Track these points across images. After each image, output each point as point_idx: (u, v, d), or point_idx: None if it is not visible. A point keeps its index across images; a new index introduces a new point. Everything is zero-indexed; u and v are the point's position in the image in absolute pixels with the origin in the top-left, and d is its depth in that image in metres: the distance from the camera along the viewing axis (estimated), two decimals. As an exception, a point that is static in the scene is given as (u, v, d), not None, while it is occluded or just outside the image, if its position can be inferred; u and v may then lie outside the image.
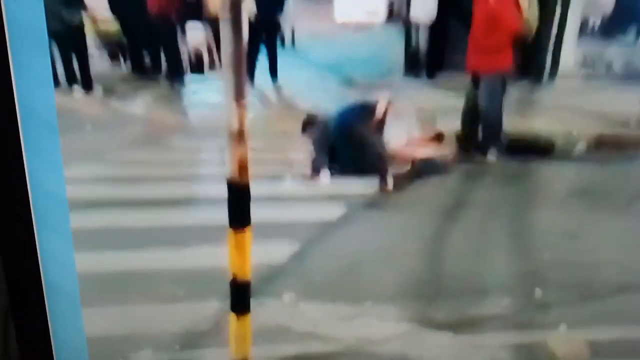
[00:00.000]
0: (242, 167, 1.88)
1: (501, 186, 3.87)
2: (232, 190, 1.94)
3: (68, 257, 1.88)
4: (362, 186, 3.77)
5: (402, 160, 3.99)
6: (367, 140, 3.89)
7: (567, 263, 3.13)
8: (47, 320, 1.94)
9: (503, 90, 4.02)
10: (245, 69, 1.75)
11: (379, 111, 3.93)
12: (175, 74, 4.31)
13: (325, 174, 3.86)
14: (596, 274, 3.05)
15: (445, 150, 4.05)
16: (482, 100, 4.00)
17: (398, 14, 4.55)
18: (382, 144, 3.92)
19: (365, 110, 3.96)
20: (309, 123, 3.94)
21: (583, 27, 4.48)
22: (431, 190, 3.81)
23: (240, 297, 2.19)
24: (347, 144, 3.89)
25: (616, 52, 4.48)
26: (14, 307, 1.87)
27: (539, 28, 4.34)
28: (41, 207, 1.77)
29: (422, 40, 4.40)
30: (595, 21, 4.50)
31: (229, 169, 1.90)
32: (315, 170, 3.87)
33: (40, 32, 1.61)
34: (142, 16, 4.33)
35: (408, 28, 4.41)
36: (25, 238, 1.79)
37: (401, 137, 4.01)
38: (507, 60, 3.98)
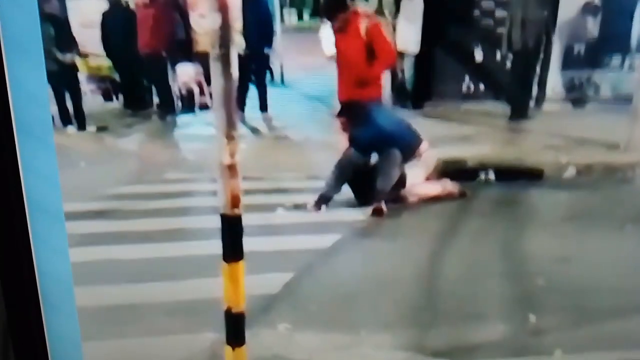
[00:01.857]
0: (234, 200, 1.90)
1: (494, 213, 3.88)
2: (225, 222, 1.96)
3: (66, 274, 1.89)
4: (356, 213, 3.80)
5: (415, 197, 4.04)
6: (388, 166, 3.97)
7: (562, 288, 3.13)
8: (45, 340, 1.95)
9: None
10: (235, 104, 1.78)
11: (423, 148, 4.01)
12: (167, 110, 4.36)
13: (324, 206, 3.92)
14: (591, 298, 3.05)
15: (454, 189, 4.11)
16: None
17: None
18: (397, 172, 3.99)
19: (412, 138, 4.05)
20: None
21: (569, 54, 4.56)
22: (424, 217, 3.83)
23: (235, 328, 2.19)
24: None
25: (602, 77, 4.54)
26: (13, 329, 1.88)
27: (525, 56, 4.44)
28: (39, 227, 1.78)
29: (407, 71, 4.47)
30: (580, 48, 4.57)
31: (221, 202, 1.91)
32: (324, 201, 3.92)
33: (36, 47, 1.64)
34: (134, 54, 4.40)
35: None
36: (23, 259, 1.80)
37: (419, 176, 4.08)
38: (378, 91, 4.13)
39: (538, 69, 4.56)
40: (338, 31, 4.02)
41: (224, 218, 1.96)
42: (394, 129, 4.06)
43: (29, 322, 1.90)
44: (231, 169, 1.85)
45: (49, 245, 1.82)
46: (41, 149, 1.70)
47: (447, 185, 4.12)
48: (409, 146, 4.02)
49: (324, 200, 3.94)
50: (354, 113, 4.06)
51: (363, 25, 3.98)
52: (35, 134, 1.68)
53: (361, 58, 4.00)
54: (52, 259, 1.83)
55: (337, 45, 4.06)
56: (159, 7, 4.65)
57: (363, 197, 3.97)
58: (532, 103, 4.61)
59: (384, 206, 3.87)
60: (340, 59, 4.08)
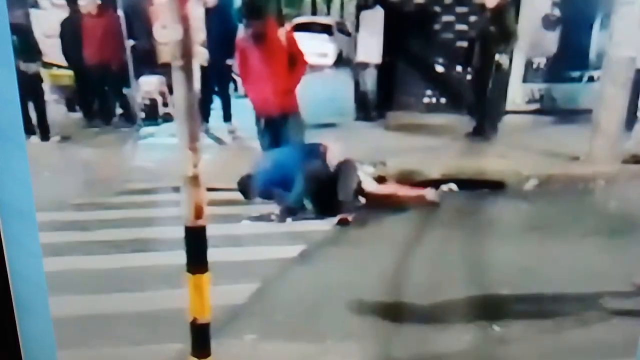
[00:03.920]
0: (198, 211, 1.91)
1: (458, 223, 3.91)
2: (189, 234, 1.96)
3: (39, 276, 1.87)
4: (321, 223, 3.81)
5: (382, 200, 4.06)
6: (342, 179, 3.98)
7: (525, 297, 3.16)
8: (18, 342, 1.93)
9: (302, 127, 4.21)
10: (197, 114, 1.78)
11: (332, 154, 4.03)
12: (127, 120, 4.34)
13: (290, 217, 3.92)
14: (554, 308, 3.09)
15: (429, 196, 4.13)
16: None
17: (347, 58, 4.66)
18: (354, 181, 4.01)
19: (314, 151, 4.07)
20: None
21: (529, 67, 4.62)
22: (389, 226, 3.85)
23: (200, 338, 2.20)
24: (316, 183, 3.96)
25: (562, 90, 4.60)
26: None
27: (485, 71, 4.48)
28: (11, 229, 1.76)
29: (370, 82, 4.50)
30: (540, 61, 4.64)
31: (185, 214, 1.92)
32: (289, 213, 3.93)
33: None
34: (92, 64, 4.38)
35: (357, 71, 4.53)
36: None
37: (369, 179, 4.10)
38: (296, 100, 4.14)
39: (498, 83, 4.61)
40: (256, 40, 4.03)
41: (188, 230, 1.97)
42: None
43: (2, 323, 1.88)
44: (194, 179, 1.86)
45: (22, 247, 1.81)
46: (14, 152, 1.69)
47: (427, 192, 4.13)
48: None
49: (288, 212, 3.95)
50: (279, 127, 4.11)
51: (282, 34, 4.02)
52: (8, 136, 1.67)
53: (285, 66, 4.04)
54: (25, 261, 1.83)
55: (256, 55, 4.07)
56: (109, 18, 4.63)
57: (323, 208, 3.99)
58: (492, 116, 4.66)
59: (349, 216, 3.89)
60: (262, 69, 4.09)
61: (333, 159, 4.04)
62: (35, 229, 1.83)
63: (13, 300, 1.88)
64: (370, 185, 4.11)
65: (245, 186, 4.00)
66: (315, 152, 4.09)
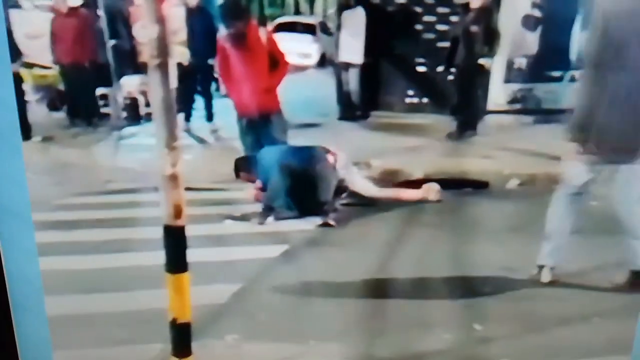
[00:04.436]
0: (177, 211, 1.90)
1: (440, 222, 3.93)
2: (168, 234, 1.96)
3: (35, 276, 1.87)
4: (304, 223, 3.80)
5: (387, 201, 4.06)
6: (322, 180, 3.98)
7: (507, 297, 3.18)
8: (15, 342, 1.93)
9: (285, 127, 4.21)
10: (175, 114, 1.78)
11: (331, 157, 4.03)
12: (109, 120, 4.34)
13: (271, 217, 3.91)
14: (536, 307, 3.11)
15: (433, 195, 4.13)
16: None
17: (330, 58, 4.67)
18: (333, 182, 4.00)
19: (315, 154, 4.06)
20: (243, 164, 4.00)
21: (511, 67, 4.65)
22: (372, 227, 3.86)
23: (180, 338, 2.20)
24: (301, 185, 3.95)
25: (543, 90, 4.63)
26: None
27: (467, 71, 4.51)
28: (7, 230, 1.76)
29: (353, 82, 4.52)
30: (521, 61, 4.67)
31: (164, 213, 1.92)
32: (268, 212, 3.92)
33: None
34: (77, 64, 4.37)
35: (339, 71, 4.55)
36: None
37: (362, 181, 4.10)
38: (277, 100, 4.15)
39: (479, 83, 4.64)
40: (237, 40, 4.03)
41: (167, 229, 1.97)
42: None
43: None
44: (173, 179, 1.86)
45: (18, 248, 1.81)
46: (9, 153, 1.69)
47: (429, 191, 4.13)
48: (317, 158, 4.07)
49: (267, 211, 3.94)
50: (262, 125, 4.11)
51: (263, 34, 4.03)
52: (4, 137, 1.67)
53: (265, 66, 4.04)
54: (21, 261, 1.82)
55: (237, 55, 4.07)
56: (90, 18, 4.61)
57: (303, 208, 3.98)
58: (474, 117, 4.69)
59: (331, 220, 3.88)
60: (243, 69, 4.09)
61: (342, 166, 4.04)
62: (31, 229, 1.83)
63: (9, 300, 1.88)
64: (369, 189, 4.11)
65: (239, 165, 4.01)
66: (319, 156, 4.09)
